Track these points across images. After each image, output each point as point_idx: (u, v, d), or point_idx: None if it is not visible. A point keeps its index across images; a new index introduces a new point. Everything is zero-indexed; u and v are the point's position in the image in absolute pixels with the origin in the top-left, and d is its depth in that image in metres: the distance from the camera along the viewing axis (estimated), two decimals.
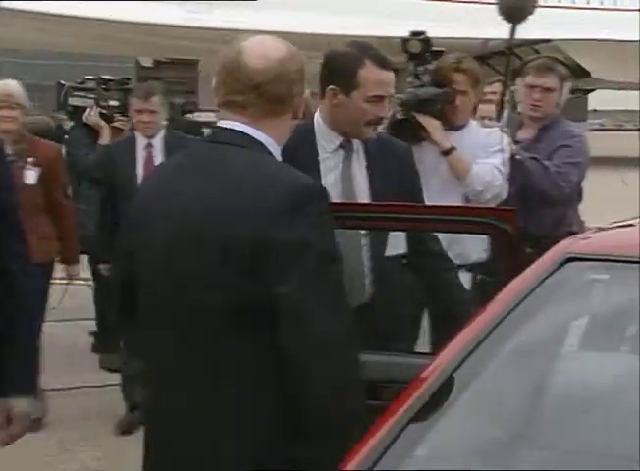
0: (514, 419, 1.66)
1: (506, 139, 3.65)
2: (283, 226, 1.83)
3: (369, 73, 2.72)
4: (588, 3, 22.18)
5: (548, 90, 3.89)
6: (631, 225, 2.00)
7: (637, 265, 1.75)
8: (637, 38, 21.07)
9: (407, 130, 3.52)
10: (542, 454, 1.61)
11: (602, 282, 1.82)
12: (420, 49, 3.70)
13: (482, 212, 2.56)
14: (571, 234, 3.91)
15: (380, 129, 3.11)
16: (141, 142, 4.83)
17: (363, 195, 2.82)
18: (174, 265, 1.95)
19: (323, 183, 2.69)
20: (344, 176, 2.83)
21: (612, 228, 1.99)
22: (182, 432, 1.96)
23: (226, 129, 2.00)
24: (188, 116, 7.57)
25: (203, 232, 1.90)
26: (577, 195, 4.14)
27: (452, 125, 3.59)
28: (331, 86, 2.76)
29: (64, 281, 4.90)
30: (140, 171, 4.69)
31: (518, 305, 1.73)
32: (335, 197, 2.77)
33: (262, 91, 1.95)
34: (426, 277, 2.92)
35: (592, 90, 24.30)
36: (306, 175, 1.98)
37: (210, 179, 1.95)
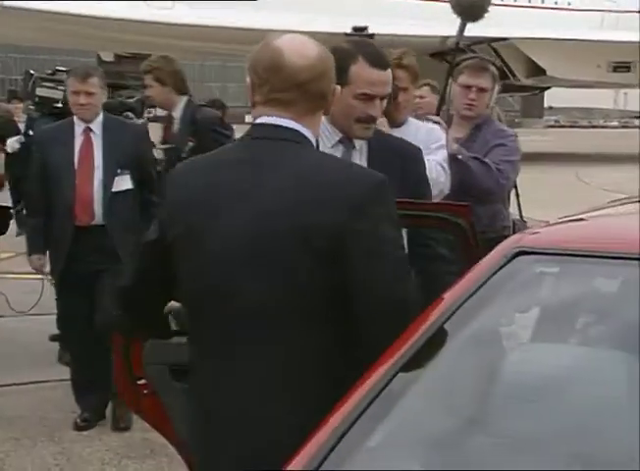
0: (466, 408, 1.67)
1: (445, 136, 3.65)
2: (363, 215, 1.93)
3: (360, 70, 2.72)
4: (543, 2, 22.43)
5: (482, 90, 3.91)
6: (579, 219, 2.02)
7: (584, 258, 1.77)
8: (591, 38, 21.36)
9: None
10: (493, 441, 1.62)
11: (550, 274, 1.84)
12: None
13: (437, 207, 2.57)
14: (505, 228, 3.99)
15: None
16: (79, 126, 4.52)
17: None
18: (254, 256, 1.97)
19: None
20: None
21: (560, 223, 2.01)
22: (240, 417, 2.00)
23: (277, 125, 2.03)
24: (149, 110, 7.48)
25: (285, 224, 1.94)
26: (509, 192, 4.23)
27: (394, 121, 3.51)
28: None
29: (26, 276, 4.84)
30: (76, 156, 4.47)
31: (470, 297, 1.74)
32: None
33: (306, 89, 2.02)
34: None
35: (547, 88, 24.58)
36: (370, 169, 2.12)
37: (282, 173, 1.99)
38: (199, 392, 2.12)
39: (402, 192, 2.74)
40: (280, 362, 1.96)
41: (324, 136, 2.82)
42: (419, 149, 3.10)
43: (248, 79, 2.07)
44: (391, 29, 19.31)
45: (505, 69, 22.34)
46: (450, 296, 1.77)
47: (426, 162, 3.51)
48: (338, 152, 2.83)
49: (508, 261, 1.79)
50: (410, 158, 2.91)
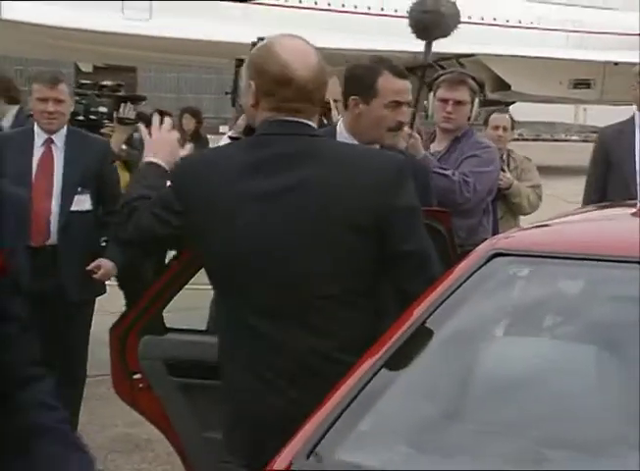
0: (446, 398, 1.77)
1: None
2: (397, 195, 2.13)
3: (386, 81, 2.85)
4: (508, 22, 22.68)
5: (460, 103, 3.93)
6: (550, 225, 2.13)
7: (556, 260, 1.88)
8: (553, 56, 21.67)
9: None
10: (471, 429, 1.71)
11: (525, 275, 1.95)
12: None
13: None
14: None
15: None
16: (40, 137, 3.91)
17: None
18: (299, 243, 2.09)
19: None
20: None
21: (532, 227, 2.12)
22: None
23: (296, 122, 2.16)
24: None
25: (329, 209, 2.10)
26: (491, 205, 4.19)
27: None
28: (353, 97, 2.90)
29: None
30: (35, 168, 3.87)
31: (450, 296, 1.84)
32: None
33: (312, 97, 2.17)
34: None
35: (512, 102, 24.82)
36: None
37: (319, 164, 2.14)
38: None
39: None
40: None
41: None
42: (397, 159, 3.21)
43: (252, 83, 2.17)
44: (364, 45, 19.47)
45: None
46: (431, 295, 1.87)
47: None
48: None
49: (485, 262, 1.90)
50: (416, 168, 3.03)
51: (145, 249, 2.49)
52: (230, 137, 3.96)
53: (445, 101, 3.92)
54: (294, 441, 1.63)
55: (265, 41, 2.22)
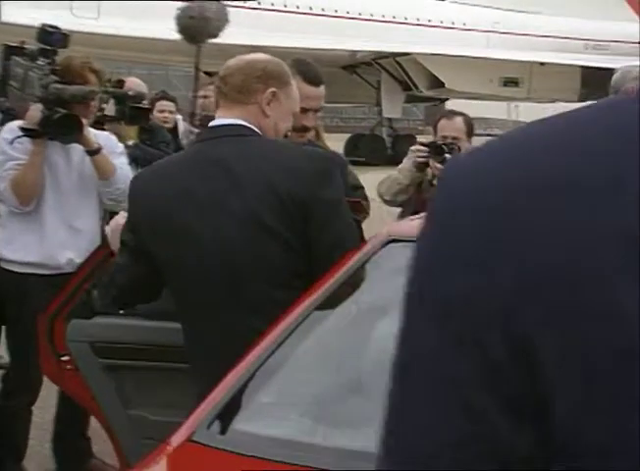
0: (343, 373, 1.84)
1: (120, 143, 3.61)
2: (324, 187, 2.16)
3: (300, 87, 2.82)
4: (442, 22, 22.94)
5: None
6: None
7: None
8: (485, 55, 22.01)
9: (62, 128, 3.24)
10: (366, 401, 1.78)
11: None
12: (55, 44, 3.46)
13: None
14: None
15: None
16: None
17: None
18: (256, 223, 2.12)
19: None
20: None
21: None
22: None
23: (223, 125, 2.22)
24: None
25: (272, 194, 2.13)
26: None
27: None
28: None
29: None
30: None
31: (347, 279, 1.90)
32: None
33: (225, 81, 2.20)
34: None
35: (447, 99, 25.11)
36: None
37: (256, 164, 2.18)
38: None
39: None
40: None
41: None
42: (343, 158, 3.27)
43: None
44: (303, 44, 19.49)
45: (408, 81, 22.79)
46: (327, 279, 1.93)
47: (121, 164, 3.45)
48: None
49: (381, 248, 1.96)
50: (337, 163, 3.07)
51: (137, 298, 2.44)
52: (22, 129, 3.35)
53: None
54: (197, 412, 1.68)
55: None
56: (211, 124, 2.27)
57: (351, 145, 22.53)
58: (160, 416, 2.48)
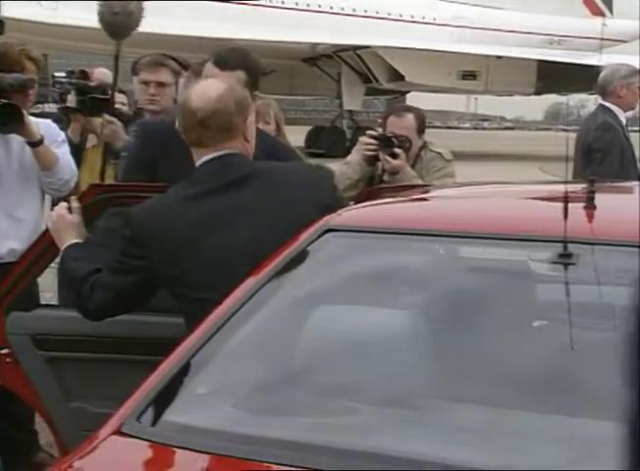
0: (276, 363, 1.81)
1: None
2: (335, 189, 2.47)
3: (207, 70, 2.82)
4: (401, 16, 23.01)
5: (162, 85, 3.80)
6: (383, 203, 2.20)
7: (383, 235, 1.93)
8: (442, 49, 22.11)
9: (1, 117, 3.15)
10: (298, 391, 1.76)
11: (353, 249, 2.00)
12: None
13: None
14: None
15: None
16: None
17: None
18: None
19: None
20: None
21: (367, 205, 2.18)
22: None
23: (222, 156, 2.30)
24: (39, 106, 7.11)
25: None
26: None
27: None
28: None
29: None
30: None
31: (282, 268, 1.88)
32: None
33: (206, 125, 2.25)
34: None
35: (407, 92, 25.17)
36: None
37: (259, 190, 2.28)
38: None
39: None
40: None
41: None
42: (293, 149, 3.24)
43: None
44: (264, 36, 19.40)
45: (368, 74, 22.81)
46: (264, 268, 1.91)
47: (63, 154, 3.35)
48: None
49: (317, 238, 1.94)
50: (285, 157, 3.03)
51: (124, 306, 2.39)
52: None
53: (147, 84, 3.80)
54: (127, 403, 1.64)
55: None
56: (205, 159, 2.30)
57: (312, 137, 22.52)
58: (101, 408, 2.44)
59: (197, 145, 2.30)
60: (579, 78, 20.95)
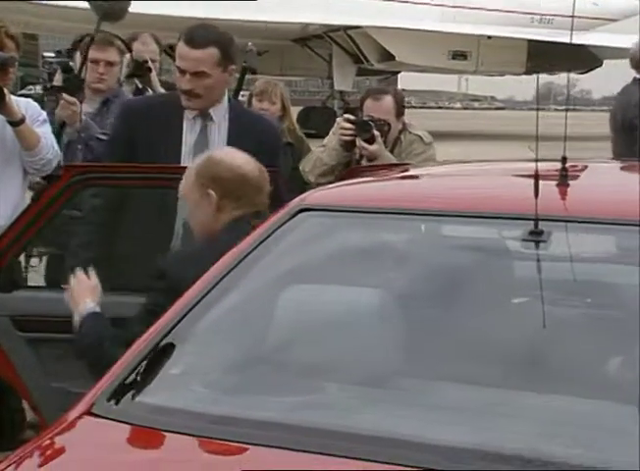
0: (249, 343, 1.80)
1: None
2: None
3: (178, 47, 2.83)
4: None
5: (110, 64, 3.77)
6: (356, 183, 2.18)
7: (356, 214, 1.92)
8: (433, 29, 21.99)
9: None
10: (274, 371, 1.75)
11: (326, 228, 1.98)
12: None
13: None
14: None
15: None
16: None
17: None
18: None
19: (183, 145, 2.86)
20: (200, 142, 2.90)
21: (340, 185, 2.16)
22: None
23: None
24: (29, 87, 7.05)
25: None
26: None
27: None
28: None
29: None
30: None
31: (255, 248, 1.86)
32: (190, 160, 2.84)
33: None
34: None
35: (398, 72, 25.07)
36: None
37: None
38: None
39: (258, 161, 2.85)
40: None
41: (188, 110, 2.90)
42: (273, 124, 3.20)
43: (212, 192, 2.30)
44: (255, 16, 19.26)
45: (359, 54, 22.68)
46: (238, 248, 1.89)
47: (45, 134, 3.28)
48: (197, 123, 2.91)
49: (291, 217, 1.92)
50: (266, 131, 3.00)
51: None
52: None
53: (96, 62, 3.73)
54: (98, 384, 1.63)
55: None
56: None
57: (303, 117, 22.40)
58: (82, 388, 2.42)
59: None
60: (569, 57, 20.88)
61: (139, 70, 4.00)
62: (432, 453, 1.38)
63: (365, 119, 3.39)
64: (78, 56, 3.86)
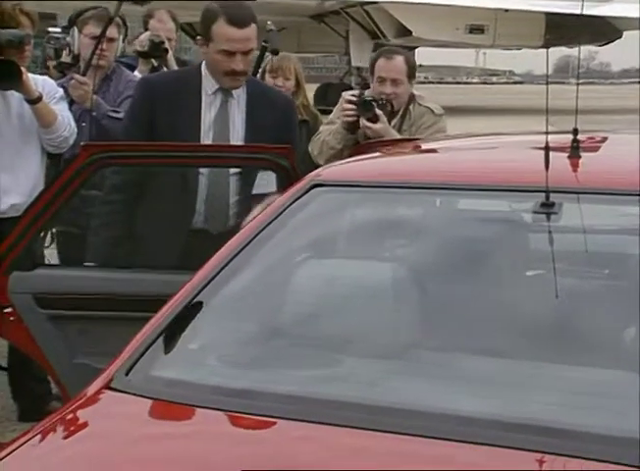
0: (264, 317, 1.81)
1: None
2: None
3: (219, 28, 2.80)
4: None
5: (111, 40, 3.73)
6: (371, 158, 2.17)
7: (368, 189, 1.92)
8: (450, 2, 21.75)
9: (1, 73, 3.11)
10: (290, 345, 1.76)
11: (341, 202, 1.98)
12: None
13: (262, 149, 2.67)
14: None
15: None
16: None
17: (237, 137, 2.90)
18: None
19: (202, 122, 2.85)
20: (220, 117, 2.90)
21: (354, 160, 2.15)
22: None
23: None
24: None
25: None
26: None
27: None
28: (198, 37, 2.90)
29: None
30: None
31: (269, 224, 1.86)
32: (210, 137, 2.86)
33: None
34: None
35: (415, 47, 24.85)
36: None
37: None
38: None
39: (276, 139, 2.85)
40: None
41: (206, 84, 2.91)
42: (290, 98, 3.20)
43: None
44: None
45: (376, 30, 22.51)
46: (253, 223, 1.90)
47: (61, 112, 3.29)
48: (217, 99, 2.91)
49: (304, 193, 1.92)
50: (284, 105, 3.01)
51: None
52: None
53: (95, 38, 3.62)
54: (117, 359, 1.65)
55: None
56: None
57: (321, 94, 22.31)
58: (103, 364, 2.46)
59: None
60: (587, 29, 20.62)
61: (156, 50, 3.98)
62: (452, 423, 1.38)
63: (367, 98, 3.30)
64: (75, 32, 3.85)
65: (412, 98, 3.47)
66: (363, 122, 3.24)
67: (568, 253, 1.76)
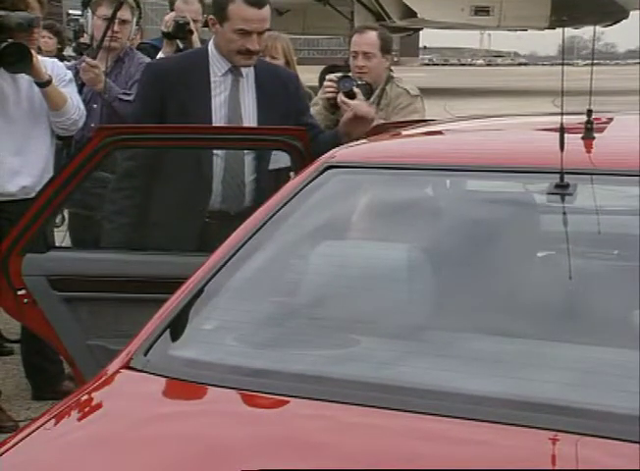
0: (286, 298, 1.82)
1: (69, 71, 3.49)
2: None
3: (237, 8, 2.82)
4: None
5: (124, 22, 3.71)
6: (383, 139, 2.17)
7: (384, 170, 1.92)
8: None
9: (9, 57, 3.13)
10: (305, 326, 1.77)
11: (354, 184, 1.99)
12: None
13: (276, 131, 2.67)
14: None
15: None
16: None
17: (250, 117, 2.91)
18: None
19: (213, 103, 2.86)
20: (231, 98, 2.92)
21: (364, 143, 2.16)
22: None
23: None
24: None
25: None
26: None
27: None
28: (211, 16, 2.92)
29: None
30: None
31: (284, 206, 1.87)
32: (222, 117, 2.87)
33: None
34: None
35: (420, 29, 24.72)
36: None
37: None
38: None
39: (286, 114, 2.87)
40: None
41: (215, 66, 2.92)
42: (297, 76, 3.22)
43: None
44: None
45: (380, 11, 22.35)
46: (268, 204, 1.90)
47: (72, 95, 3.31)
48: (227, 80, 2.93)
49: (319, 175, 1.93)
50: (289, 82, 3.02)
51: None
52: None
53: (108, 20, 3.61)
54: (135, 339, 1.66)
55: None
56: None
57: (325, 76, 22.21)
58: (119, 345, 2.47)
59: None
60: (593, 10, 20.47)
61: (181, 31, 3.93)
62: (465, 402, 1.40)
63: (347, 75, 3.36)
64: (89, 14, 3.84)
65: (390, 79, 3.57)
66: (340, 97, 3.23)
67: (583, 234, 1.76)
